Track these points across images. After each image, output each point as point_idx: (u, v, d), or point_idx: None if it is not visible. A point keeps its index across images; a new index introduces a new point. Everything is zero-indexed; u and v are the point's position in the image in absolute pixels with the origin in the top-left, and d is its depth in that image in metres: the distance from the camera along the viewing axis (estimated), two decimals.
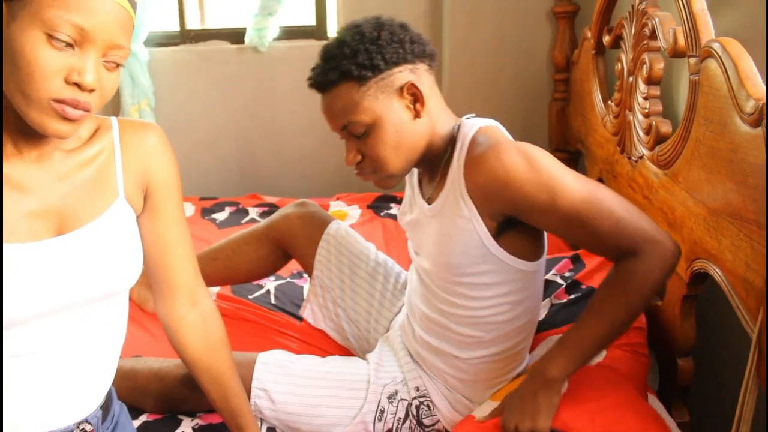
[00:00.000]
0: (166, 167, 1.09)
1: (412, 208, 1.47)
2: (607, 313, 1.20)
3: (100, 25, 0.84)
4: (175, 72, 2.88)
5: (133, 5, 0.89)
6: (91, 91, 0.86)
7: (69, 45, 0.83)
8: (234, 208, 2.62)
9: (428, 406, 1.46)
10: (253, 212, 2.58)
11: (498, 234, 1.28)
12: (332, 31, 2.98)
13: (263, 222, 1.82)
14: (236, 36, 2.93)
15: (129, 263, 1.02)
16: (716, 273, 1.27)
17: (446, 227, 1.32)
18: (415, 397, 1.46)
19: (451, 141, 1.34)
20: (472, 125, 1.33)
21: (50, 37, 0.82)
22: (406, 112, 1.29)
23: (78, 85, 0.84)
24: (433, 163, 1.36)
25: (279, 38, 2.90)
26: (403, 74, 1.28)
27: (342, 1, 2.87)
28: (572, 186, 1.19)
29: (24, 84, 0.83)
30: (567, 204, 1.18)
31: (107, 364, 1.06)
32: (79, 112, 0.86)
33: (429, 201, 1.38)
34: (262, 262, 1.81)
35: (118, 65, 0.89)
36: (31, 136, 0.91)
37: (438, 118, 1.34)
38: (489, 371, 1.41)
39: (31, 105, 0.84)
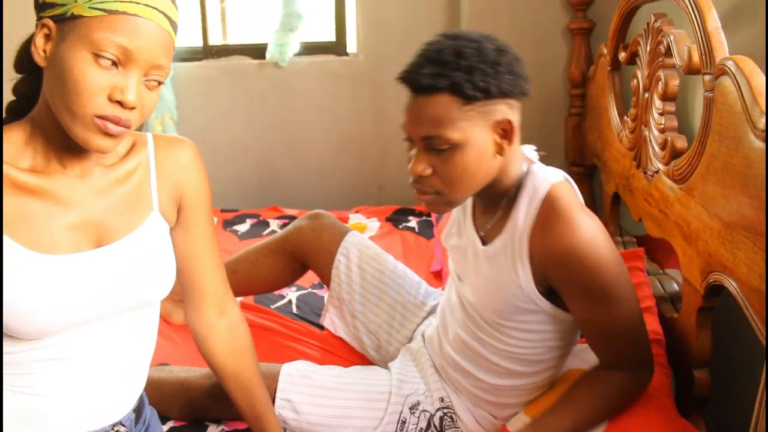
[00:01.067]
0: (198, 182, 1.13)
1: (460, 233, 1.46)
2: (583, 408, 1.27)
3: (143, 46, 0.88)
4: (198, 86, 2.95)
5: (175, 28, 0.94)
6: (132, 108, 0.90)
7: (114, 64, 0.88)
8: (255, 220, 2.68)
9: (452, 417, 1.47)
10: (274, 224, 2.63)
11: (549, 292, 1.29)
12: (351, 46, 3.04)
13: (278, 235, 1.84)
14: (258, 51, 3.00)
15: (164, 274, 1.06)
16: (731, 285, 1.29)
17: (499, 277, 1.31)
18: (438, 409, 1.48)
19: (518, 183, 1.31)
20: (544, 179, 1.29)
21: (96, 56, 0.87)
22: (492, 145, 1.25)
23: (120, 103, 0.89)
24: (494, 199, 1.34)
25: (299, 54, 2.97)
26: (503, 108, 1.24)
27: (361, 18, 2.93)
28: (619, 299, 1.23)
29: (70, 100, 0.87)
30: (606, 314, 1.23)
31: (140, 370, 1.11)
32: (120, 128, 0.90)
33: (483, 239, 1.37)
34: (280, 275, 1.84)
35: (159, 83, 0.93)
36: (75, 152, 0.96)
37: (513, 158, 1.31)
38: (516, 396, 1.43)
39: (76, 121, 0.89)
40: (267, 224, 2.64)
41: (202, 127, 2.98)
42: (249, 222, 2.67)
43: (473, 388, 1.45)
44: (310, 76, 3.00)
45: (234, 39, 3.64)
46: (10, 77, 1.00)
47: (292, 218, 2.65)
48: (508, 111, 1.24)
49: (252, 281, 1.83)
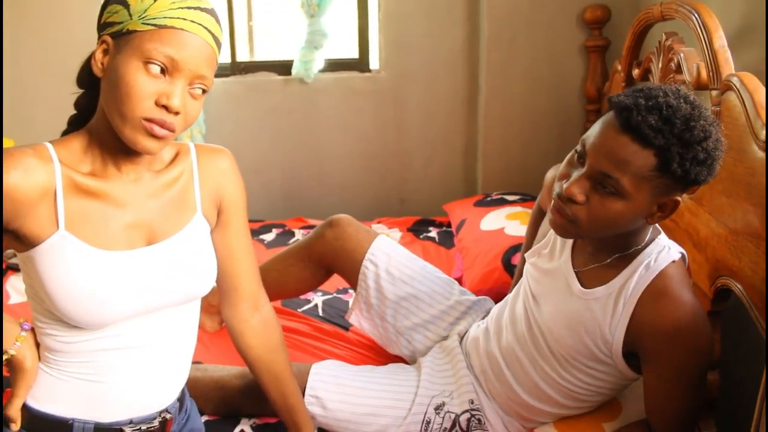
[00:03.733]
0: (236, 187, 1.23)
1: (551, 257, 1.46)
2: None
3: (188, 56, 0.98)
4: (226, 101, 3.05)
5: (218, 44, 1.03)
6: (177, 113, 0.99)
7: (162, 72, 0.97)
8: (280, 230, 2.77)
9: (479, 420, 1.51)
10: (298, 234, 2.72)
11: (629, 353, 1.32)
12: (374, 63, 3.14)
13: (302, 243, 1.87)
14: (284, 68, 3.10)
15: (206, 271, 1.16)
16: (737, 288, 1.36)
17: (587, 321, 1.33)
18: (466, 410, 1.52)
19: (639, 245, 1.31)
20: (667, 253, 1.29)
21: (146, 64, 0.96)
22: (649, 211, 1.22)
23: (166, 108, 0.98)
24: (609, 247, 1.33)
25: (324, 70, 3.06)
26: (681, 189, 1.21)
27: (384, 36, 3.03)
28: (696, 386, 1.26)
29: (122, 104, 0.97)
30: (677, 392, 1.26)
31: (184, 361, 1.19)
32: (165, 131, 0.99)
33: (581, 277, 1.37)
34: (307, 281, 1.88)
35: (203, 92, 1.03)
36: (129, 157, 1.05)
37: (653, 226, 1.32)
38: (546, 417, 1.49)
39: (126, 123, 0.98)
40: (292, 234, 2.73)
41: (230, 141, 3.07)
42: (275, 231, 2.76)
43: (508, 399, 1.51)
44: (334, 92, 3.09)
45: (261, 55, 3.75)
46: (71, 92, 1.11)
47: None
48: (681, 193, 1.22)
49: (281, 288, 1.88)
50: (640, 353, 1.29)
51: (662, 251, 1.29)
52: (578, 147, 1.26)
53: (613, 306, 1.29)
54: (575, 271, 1.38)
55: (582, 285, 1.36)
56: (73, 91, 1.11)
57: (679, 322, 1.22)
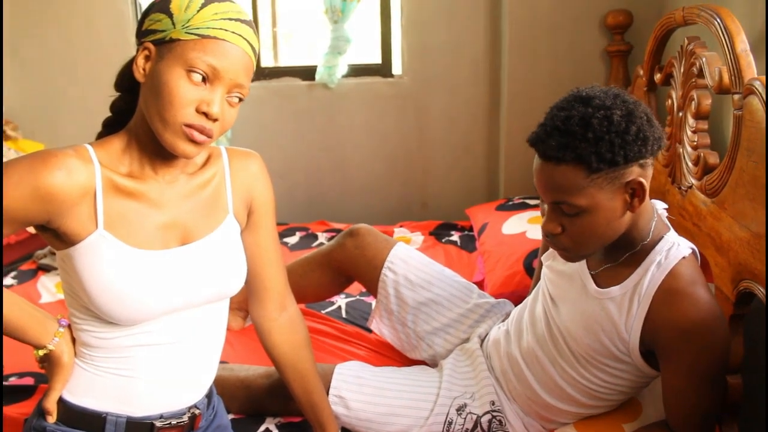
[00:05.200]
0: (265, 190, 1.26)
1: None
2: None
3: (229, 66, 1.02)
4: (251, 106, 3.04)
5: (255, 54, 1.07)
6: (215, 120, 1.03)
7: (203, 80, 1.01)
8: (304, 233, 2.80)
9: (500, 421, 1.53)
10: (322, 237, 2.76)
11: (646, 351, 1.33)
12: (397, 69, 3.16)
13: (323, 250, 1.90)
14: (307, 73, 3.14)
15: (237, 270, 1.19)
16: (760, 291, 1.37)
17: (603, 321, 1.35)
18: (487, 412, 1.54)
19: (646, 240, 1.32)
20: (678, 250, 1.30)
21: (189, 72, 1.00)
22: (622, 205, 1.25)
23: (206, 115, 1.02)
24: (617, 248, 1.35)
25: (347, 75, 3.10)
26: (634, 169, 1.23)
27: (407, 42, 3.06)
28: (713, 381, 1.27)
29: (164, 110, 1.01)
30: (695, 389, 1.27)
31: (213, 358, 1.23)
32: (204, 137, 1.03)
33: (596, 278, 1.39)
34: (328, 287, 1.92)
35: (240, 100, 1.06)
36: (165, 160, 1.09)
37: (642, 214, 1.31)
38: (566, 417, 1.50)
39: (167, 128, 1.02)
40: (315, 237, 2.76)
41: (254, 145, 3.05)
42: (298, 235, 2.79)
43: (528, 399, 1.52)
44: (357, 97, 3.13)
45: (285, 61, 3.79)
46: (109, 94, 1.15)
47: (339, 232, 2.75)
48: (639, 171, 1.23)
49: (301, 292, 1.89)
50: (656, 351, 1.31)
51: (672, 248, 1.30)
52: None
53: (628, 305, 1.31)
54: (590, 273, 1.40)
55: (597, 285, 1.38)
56: (110, 95, 1.15)
57: (693, 318, 1.23)
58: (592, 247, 1.30)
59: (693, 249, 1.33)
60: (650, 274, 1.29)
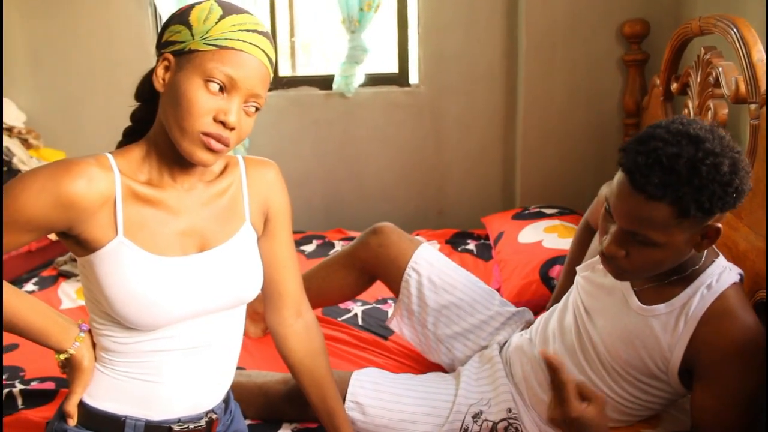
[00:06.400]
0: (282, 198, 1.28)
1: (608, 273, 1.42)
2: None
3: (246, 76, 1.04)
4: (268, 115, 3.11)
5: (272, 64, 1.09)
6: (232, 129, 1.05)
7: (220, 90, 1.03)
8: (321, 241, 2.82)
9: (517, 429, 1.52)
10: (338, 245, 2.78)
11: (682, 371, 1.32)
12: (414, 78, 3.18)
13: (346, 250, 1.89)
14: (325, 82, 3.17)
15: (253, 276, 1.21)
16: None
17: (645, 337, 1.34)
18: (503, 419, 1.53)
19: (695, 264, 1.32)
20: (728, 275, 1.30)
21: (207, 82, 1.02)
22: (693, 244, 1.24)
23: (223, 124, 1.04)
24: (668, 270, 1.32)
25: (364, 85, 3.12)
26: (717, 216, 1.21)
27: (423, 51, 3.08)
28: (747, 406, 1.25)
29: (182, 119, 1.03)
30: (727, 411, 1.25)
31: (230, 364, 1.24)
32: (221, 145, 1.05)
33: (639, 295, 1.38)
34: (351, 287, 1.91)
35: (256, 109, 1.08)
36: (184, 168, 1.11)
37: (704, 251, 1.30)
38: None
39: (185, 136, 1.04)
40: (332, 245, 2.78)
41: (272, 154, 3.07)
42: (315, 243, 2.81)
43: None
44: (374, 106, 3.15)
45: (302, 71, 3.83)
46: (129, 104, 1.17)
47: None
48: (719, 217, 1.21)
49: (324, 294, 1.91)
50: (696, 371, 1.30)
51: (723, 272, 1.30)
52: (605, 204, 1.28)
53: (674, 324, 1.30)
54: (634, 289, 1.39)
55: (640, 302, 1.37)
56: (130, 105, 1.17)
57: (740, 342, 1.23)
58: (652, 272, 1.29)
59: (741, 275, 1.33)
60: (699, 295, 1.29)
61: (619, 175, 1.24)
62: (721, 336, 1.24)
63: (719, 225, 1.20)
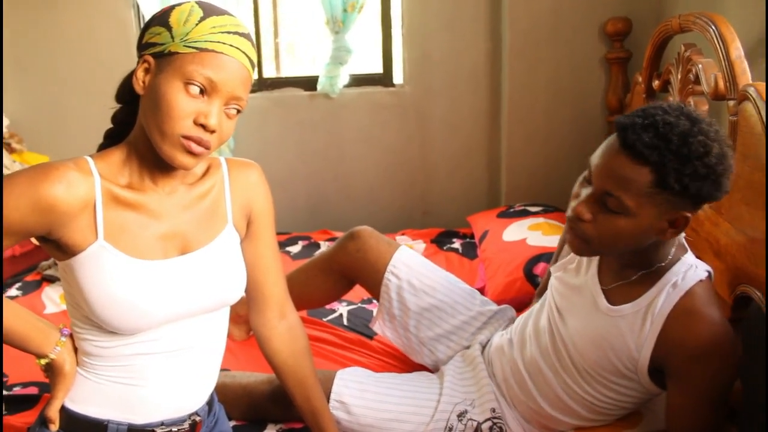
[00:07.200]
0: (264, 200, 1.27)
1: (579, 273, 1.47)
2: None
3: (226, 78, 1.03)
4: (253, 117, 3.09)
5: (253, 66, 1.09)
6: (213, 132, 1.05)
7: (201, 92, 1.03)
8: (306, 242, 2.82)
9: (501, 428, 1.53)
10: (324, 246, 2.77)
11: (653, 370, 1.33)
12: (398, 78, 3.18)
13: (324, 254, 1.88)
14: (309, 83, 3.16)
15: (236, 279, 1.20)
16: (756, 295, 1.38)
17: (613, 338, 1.34)
18: (488, 419, 1.54)
19: (663, 262, 1.32)
20: (695, 272, 1.30)
21: (187, 84, 1.01)
22: (658, 228, 1.23)
23: (203, 126, 1.03)
24: (633, 264, 1.34)
25: (349, 85, 3.12)
26: (688, 205, 1.21)
27: (408, 51, 3.08)
28: (718, 404, 1.27)
29: (162, 122, 1.02)
30: (699, 408, 1.27)
31: (213, 366, 1.24)
32: (201, 148, 1.04)
33: (607, 294, 1.38)
34: (330, 292, 1.91)
35: (237, 112, 1.08)
36: (164, 171, 1.10)
37: (670, 242, 1.31)
38: (570, 427, 1.50)
39: (165, 140, 1.03)
40: (317, 246, 2.78)
41: (256, 155, 3.08)
42: (300, 243, 2.81)
43: (529, 408, 1.52)
44: (358, 107, 3.15)
45: (287, 72, 3.82)
46: (111, 106, 1.16)
47: None
48: (692, 209, 1.22)
49: (304, 298, 1.90)
50: (666, 370, 1.30)
51: (689, 270, 1.30)
52: (586, 171, 1.29)
53: (640, 324, 1.31)
54: (602, 288, 1.39)
55: (609, 302, 1.37)
56: (111, 107, 1.16)
57: (707, 341, 1.23)
58: (612, 248, 1.28)
59: (709, 272, 1.32)
60: (665, 294, 1.29)
61: (610, 138, 1.25)
62: (688, 335, 1.24)
63: (688, 215, 1.21)
